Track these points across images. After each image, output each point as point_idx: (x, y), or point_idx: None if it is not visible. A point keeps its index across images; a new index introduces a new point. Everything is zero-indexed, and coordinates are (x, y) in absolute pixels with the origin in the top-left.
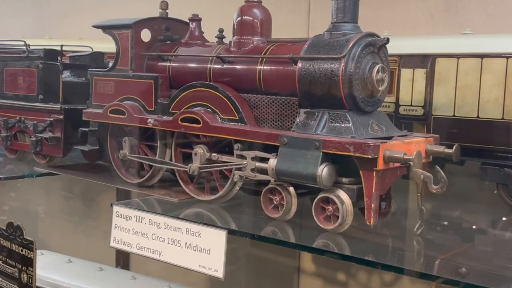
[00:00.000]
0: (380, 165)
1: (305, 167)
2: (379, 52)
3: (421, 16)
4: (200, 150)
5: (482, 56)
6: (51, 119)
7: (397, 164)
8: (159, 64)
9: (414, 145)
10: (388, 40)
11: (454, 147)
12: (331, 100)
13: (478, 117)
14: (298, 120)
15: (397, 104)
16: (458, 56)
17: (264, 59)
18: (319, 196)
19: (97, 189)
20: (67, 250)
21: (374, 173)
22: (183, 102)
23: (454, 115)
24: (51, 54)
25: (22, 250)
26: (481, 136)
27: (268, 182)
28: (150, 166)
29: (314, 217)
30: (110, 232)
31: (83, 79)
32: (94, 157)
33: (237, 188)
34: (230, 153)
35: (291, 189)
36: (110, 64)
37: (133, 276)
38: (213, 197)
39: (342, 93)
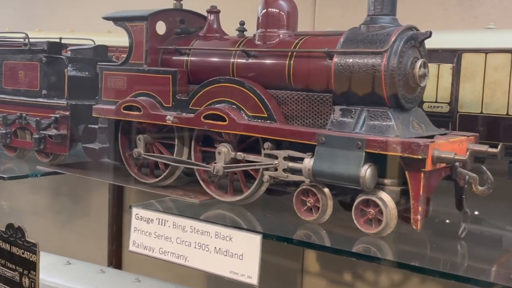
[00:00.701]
0: (429, 166)
1: (346, 168)
2: (419, 46)
3: (434, 10)
4: (224, 149)
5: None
6: (57, 116)
7: (443, 165)
8: (176, 58)
9: (458, 145)
10: (431, 33)
11: (499, 147)
12: (370, 96)
13: (507, 114)
14: (333, 117)
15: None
16: (486, 51)
17: (294, 53)
18: (360, 199)
19: (86, 187)
20: (56, 250)
21: (422, 174)
22: (205, 98)
23: (481, 112)
24: (54, 47)
25: (23, 253)
26: (511, 134)
27: (297, 183)
28: (166, 165)
29: (354, 221)
30: (129, 236)
31: (86, 73)
32: (99, 155)
33: (264, 189)
34: (256, 152)
35: (327, 190)
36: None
37: (137, 278)
38: (237, 198)
39: (383, 89)
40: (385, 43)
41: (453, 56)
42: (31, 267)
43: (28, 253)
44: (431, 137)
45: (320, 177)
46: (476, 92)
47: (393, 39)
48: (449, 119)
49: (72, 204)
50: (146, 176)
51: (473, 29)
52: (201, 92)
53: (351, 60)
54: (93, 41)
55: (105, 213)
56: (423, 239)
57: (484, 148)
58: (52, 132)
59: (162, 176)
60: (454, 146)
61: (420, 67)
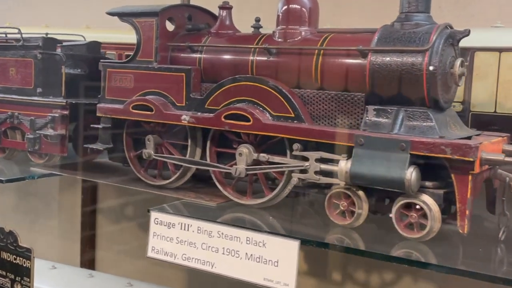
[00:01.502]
0: (477, 168)
1: (388, 170)
2: (456, 45)
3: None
4: (245, 150)
5: None
6: (55, 115)
7: (486, 167)
8: (187, 55)
9: (496, 146)
10: (469, 32)
11: None
12: (409, 96)
13: None
14: (367, 118)
15: None
16: (500, 50)
17: (322, 51)
18: (402, 202)
19: (58, 187)
20: None
21: (470, 177)
22: (223, 97)
23: (495, 112)
24: (50, 43)
25: (15, 259)
26: None
27: (325, 186)
28: (176, 167)
29: (395, 225)
30: (147, 241)
31: (79, 70)
32: (93, 155)
33: (287, 191)
34: (279, 153)
35: (362, 193)
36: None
37: (129, 283)
38: (259, 201)
39: (424, 89)
40: (426, 42)
41: (465, 55)
42: (24, 273)
43: (21, 258)
44: (469, 137)
45: (359, 180)
46: (490, 91)
47: (434, 37)
48: (462, 119)
49: (43, 205)
50: (154, 178)
51: (486, 28)
52: (219, 91)
53: (388, 58)
54: (83, 37)
55: (77, 214)
56: (465, 242)
57: None
58: (49, 132)
59: (173, 178)
60: (495, 146)
61: (459, 66)
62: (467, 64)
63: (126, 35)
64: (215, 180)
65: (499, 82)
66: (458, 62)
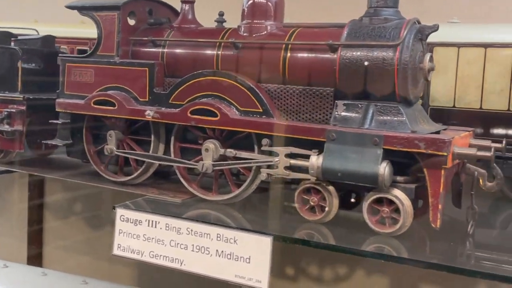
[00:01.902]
0: (450, 162)
1: (362, 166)
2: (424, 40)
3: None
4: (211, 146)
5: (486, 46)
6: (11, 110)
7: (456, 161)
8: (149, 50)
9: (465, 140)
10: (438, 27)
11: (503, 142)
12: (380, 91)
13: (481, 108)
14: (336, 113)
15: None
16: (459, 45)
17: (290, 46)
18: (374, 197)
19: (3, 183)
20: None
21: (443, 171)
22: (188, 92)
23: (454, 106)
24: (3, 37)
25: None
26: (484, 128)
27: (292, 181)
28: (138, 163)
29: (367, 220)
30: (112, 239)
31: (33, 65)
32: (49, 151)
33: (254, 187)
34: (245, 148)
35: (332, 188)
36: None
37: (84, 280)
38: (225, 197)
39: (395, 84)
40: (396, 37)
41: None
42: None
43: None
44: (438, 132)
45: (331, 175)
46: (449, 86)
47: (404, 32)
48: None
49: None
50: (115, 174)
51: (444, 23)
52: (183, 86)
53: (358, 53)
54: (36, 31)
55: (24, 211)
56: (434, 236)
57: (487, 143)
58: (5, 128)
59: (136, 174)
60: (463, 141)
61: (429, 61)
62: None
63: (78, 29)
64: (179, 176)
65: (458, 77)
66: (427, 57)
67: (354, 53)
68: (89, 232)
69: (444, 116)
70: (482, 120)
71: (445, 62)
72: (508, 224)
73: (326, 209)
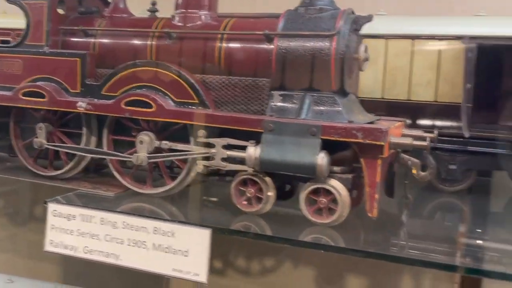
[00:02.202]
0: (386, 152)
1: (300, 156)
2: (359, 30)
3: None
4: (146, 138)
5: (413, 38)
6: None
7: (391, 151)
8: (79, 40)
9: (398, 130)
10: (372, 17)
11: (436, 132)
12: (316, 81)
13: (408, 99)
14: (273, 103)
15: None
16: (387, 37)
17: (225, 36)
18: (311, 187)
19: None
20: None
21: (379, 161)
22: (121, 83)
23: (382, 98)
24: None
25: None
26: (411, 119)
27: (226, 173)
28: (70, 156)
29: (304, 211)
30: (45, 234)
31: None
32: None
33: (190, 180)
34: (180, 140)
35: (269, 179)
36: None
37: (9, 279)
38: (160, 190)
39: (332, 74)
40: (332, 27)
41: None
42: None
43: None
44: (372, 123)
45: (269, 166)
46: (377, 78)
47: (340, 22)
48: None
49: None
50: (44, 168)
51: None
52: (116, 77)
53: (295, 43)
54: None
55: None
56: (370, 226)
57: (419, 132)
58: None
59: (67, 168)
60: (397, 131)
61: (364, 51)
62: None
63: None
64: (112, 170)
65: (386, 69)
66: (362, 47)
67: (290, 43)
68: (14, 229)
69: (372, 107)
70: (409, 111)
71: (374, 54)
72: (436, 213)
73: (263, 200)
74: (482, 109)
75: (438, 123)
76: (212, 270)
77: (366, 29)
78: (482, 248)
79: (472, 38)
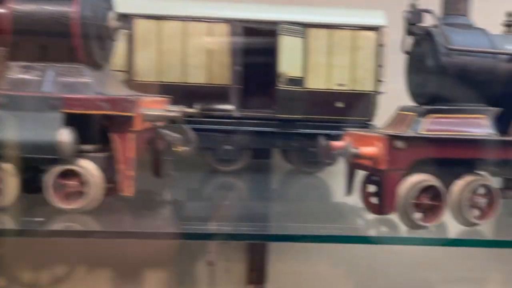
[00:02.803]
0: (138, 124)
1: (39, 134)
2: None
3: None
4: None
5: (185, 19)
6: None
7: (149, 125)
8: None
9: (159, 105)
10: None
11: (199, 106)
12: (60, 50)
13: (185, 82)
14: (11, 76)
15: None
16: (160, 18)
17: None
18: (59, 170)
19: None
20: None
21: (131, 134)
22: None
23: (160, 81)
24: None
25: None
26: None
27: None
28: None
29: (50, 197)
30: None
31: None
32: None
33: None
34: None
35: (9, 166)
36: None
37: None
38: None
39: (77, 43)
40: None
41: (126, 22)
42: None
43: None
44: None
45: (6, 149)
46: (153, 60)
47: None
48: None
49: None
50: None
51: None
52: None
53: (34, 6)
54: None
55: None
56: (133, 208)
57: (182, 108)
58: None
59: None
60: (157, 105)
61: (112, 19)
62: (129, 32)
63: None
64: None
65: (162, 50)
66: (110, 14)
67: (27, 7)
68: None
69: (148, 90)
70: (185, 94)
71: (147, 35)
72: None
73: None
74: (253, 90)
75: (213, 105)
76: None
77: (137, 9)
78: None
79: (238, 21)
